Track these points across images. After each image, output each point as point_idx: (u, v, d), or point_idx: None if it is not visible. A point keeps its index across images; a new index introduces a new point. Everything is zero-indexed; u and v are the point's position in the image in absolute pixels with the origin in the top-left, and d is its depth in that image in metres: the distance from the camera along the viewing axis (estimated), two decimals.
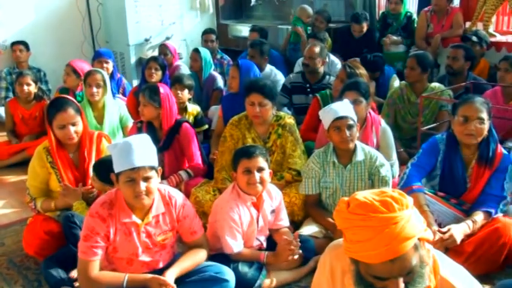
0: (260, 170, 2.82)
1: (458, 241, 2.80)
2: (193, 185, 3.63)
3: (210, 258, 2.75)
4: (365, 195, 1.58)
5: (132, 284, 2.46)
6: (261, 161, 2.83)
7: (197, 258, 2.62)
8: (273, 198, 3.00)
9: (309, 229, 3.22)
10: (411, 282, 1.55)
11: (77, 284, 2.80)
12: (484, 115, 2.99)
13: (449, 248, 2.77)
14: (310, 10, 6.67)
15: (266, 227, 3.01)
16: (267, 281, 2.82)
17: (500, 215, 2.97)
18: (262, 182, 2.83)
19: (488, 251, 2.85)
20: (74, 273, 2.81)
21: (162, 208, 2.55)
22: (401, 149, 4.17)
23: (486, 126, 3.01)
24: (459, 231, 2.83)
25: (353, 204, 1.56)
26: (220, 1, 8.16)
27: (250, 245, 2.94)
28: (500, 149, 3.09)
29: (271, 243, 3.02)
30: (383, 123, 3.78)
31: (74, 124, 3.14)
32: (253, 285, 2.76)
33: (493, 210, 2.95)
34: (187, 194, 3.41)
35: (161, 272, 2.53)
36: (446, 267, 1.67)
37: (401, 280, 1.53)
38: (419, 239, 1.55)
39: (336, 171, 3.28)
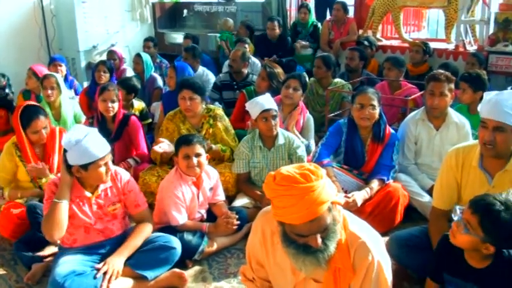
0: (197, 155, 2.79)
1: (359, 204, 2.92)
2: (140, 169, 3.55)
3: (159, 230, 2.72)
4: (288, 169, 1.59)
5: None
6: (198, 148, 2.80)
7: (145, 233, 2.58)
8: (211, 177, 2.99)
9: (241, 201, 3.24)
10: (326, 236, 1.58)
11: (46, 259, 2.73)
12: (375, 102, 3.11)
13: (352, 210, 2.88)
14: (231, 21, 6.79)
15: (206, 202, 3.00)
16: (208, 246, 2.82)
17: (391, 181, 3.12)
18: (199, 165, 2.80)
19: (384, 210, 2.99)
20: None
21: (109, 182, 2.53)
22: None
23: (377, 111, 3.14)
24: (359, 196, 2.95)
25: (278, 177, 1.57)
26: (157, 13, 7.98)
27: (193, 217, 2.92)
28: (389, 129, 3.23)
29: (211, 215, 3.02)
30: (308, 112, 3.87)
31: (45, 127, 3.10)
32: (197, 250, 2.75)
33: (385, 178, 3.09)
34: (136, 178, 3.32)
35: (119, 238, 2.54)
36: (354, 223, 1.71)
37: (318, 236, 1.56)
38: (332, 202, 1.58)
39: (262, 153, 3.31)
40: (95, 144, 2.37)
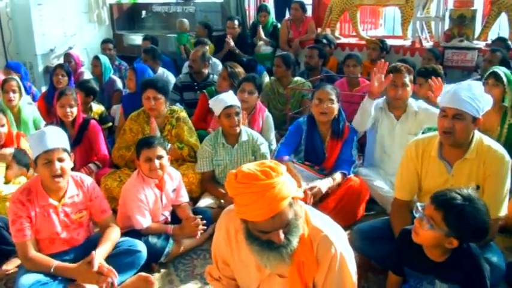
0: (159, 157, 2.76)
1: (323, 190, 2.92)
2: (102, 174, 3.49)
3: (124, 234, 2.67)
4: (249, 166, 1.59)
5: (60, 272, 2.32)
6: (160, 150, 2.77)
7: (114, 237, 2.53)
8: (173, 179, 2.96)
9: (205, 202, 3.24)
10: (289, 232, 1.60)
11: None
12: (334, 97, 3.16)
13: (317, 204, 2.90)
14: (187, 22, 6.72)
15: (169, 204, 2.97)
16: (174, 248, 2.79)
17: (352, 175, 3.17)
18: (161, 167, 2.78)
19: (347, 204, 3.04)
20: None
21: (75, 190, 2.48)
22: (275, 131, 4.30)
23: (336, 106, 3.17)
24: (323, 184, 2.96)
25: (239, 175, 1.57)
26: (115, 14, 7.85)
27: (157, 220, 2.89)
28: (348, 125, 3.29)
29: (175, 217, 2.99)
30: (267, 111, 3.89)
31: (3, 125, 3.05)
32: (163, 253, 2.72)
33: (346, 172, 3.14)
34: (98, 183, 3.26)
35: (81, 248, 2.48)
36: (316, 217, 1.74)
37: (281, 231, 1.58)
38: (293, 198, 1.60)
39: (225, 151, 3.31)
40: (50, 136, 2.30)
